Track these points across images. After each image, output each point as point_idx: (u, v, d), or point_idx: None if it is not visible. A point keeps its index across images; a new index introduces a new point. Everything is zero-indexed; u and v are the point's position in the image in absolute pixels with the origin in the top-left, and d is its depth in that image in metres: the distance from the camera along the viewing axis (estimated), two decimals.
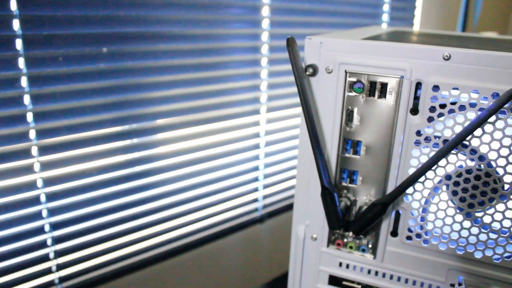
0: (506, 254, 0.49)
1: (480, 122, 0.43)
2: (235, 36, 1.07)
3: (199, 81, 1.03)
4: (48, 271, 0.90)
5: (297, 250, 0.60)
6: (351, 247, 0.57)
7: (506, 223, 0.48)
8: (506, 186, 0.47)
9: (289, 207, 1.31)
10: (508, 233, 0.48)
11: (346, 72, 0.50)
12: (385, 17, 1.52)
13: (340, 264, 0.59)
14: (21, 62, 0.77)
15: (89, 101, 0.86)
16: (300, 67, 0.50)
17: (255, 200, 1.26)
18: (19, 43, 0.77)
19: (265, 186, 1.26)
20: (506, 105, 0.44)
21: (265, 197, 1.28)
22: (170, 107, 0.99)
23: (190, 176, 1.07)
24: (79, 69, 0.84)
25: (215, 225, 1.18)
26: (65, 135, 0.85)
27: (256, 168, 1.22)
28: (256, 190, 1.24)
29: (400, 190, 0.48)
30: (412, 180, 0.47)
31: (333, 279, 0.60)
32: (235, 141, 1.14)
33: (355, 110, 0.51)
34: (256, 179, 1.23)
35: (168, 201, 1.05)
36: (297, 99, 1.18)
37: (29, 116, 0.80)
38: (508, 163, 0.46)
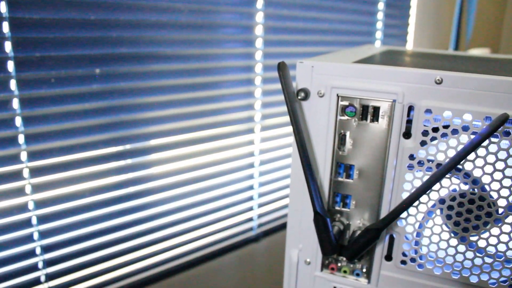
0: (502, 279, 0.48)
1: (473, 147, 0.43)
2: (229, 55, 1.08)
3: (193, 101, 1.02)
4: None
5: (290, 275, 0.60)
6: (345, 271, 0.56)
7: (501, 247, 0.47)
8: (500, 210, 0.46)
9: (285, 226, 1.30)
10: (503, 258, 0.47)
11: (338, 96, 0.50)
12: (378, 34, 1.53)
13: None
14: (12, 84, 0.77)
15: (82, 122, 0.86)
16: (292, 92, 0.50)
17: (250, 219, 1.25)
18: (10, 65, 0.76)
19: (260, 205, 1.25)
20: (498, 129, 0.43)
21: (260, 216, 1.27)
22: (164, 127, 0.99)
23: (184, 196, 1.06)
24: (71, 91, 0.83)
25: (210, 245, 1.16)
26: (57, 156, 0.84)
27: (250, 187, 1.21)
28: (251, 209, 1.23)
29: (394, 216, 0.48)
30: (404, 207, 0.47)
31: None
32: (229, 161, 1.13)
33: (348, 134, 0.51)
34: (251, 198, 1.22)
35: (161, 222, 1.04)
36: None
37: (21, 138, 0.79)
38: (502, 187, 0.45)
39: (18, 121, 0.79)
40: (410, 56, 0.70)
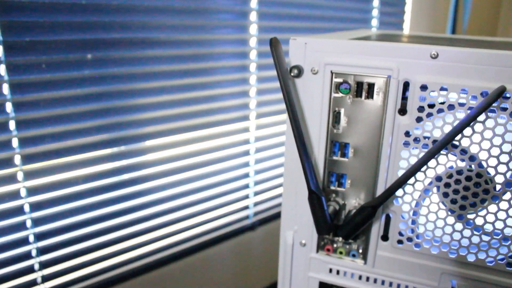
0: (500, 257, 0.48)
1: (469, 121, 0.42)
2: (223, 41, 1.06)
3: (187, 87, 1.01)
4: (33, 283, 0.88)
5: (286, 257, 0.59)
6: (341, 253, 0.56)
7: (499, 225, 0.47)
8: (498, 187, 0.45)
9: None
10: (500, 235, 0.47)
11: (332, 72, 0.49)
12: (374, 22, 1.52)
13: (330, 270, 0.57)
14: (2, 69, 0.76)
15: (74, 108, 0.85)
16: (284, 68, 0.49)
17: (246, 208, 1.24)
18: None
19: (256, 193, 1.25)
20: (495, 104, 0.43)
21: (256, 204, 1.26)
22: (158, 114, 0.98)
23: (180, 183, 1.06)
24: (63, 76, 0.82)
25: (206, 233, 1.16)
26: (49, 143, 0.83)
27: (246, 175, 1.20)
28: (247, 197, 1.23)
29: (390, 193, 0.47)
30: (401, 182, 0.46)
31: (323, 286, 0.59)
32: (224, 148, 1.12)
33: (342, 111, 0.50)
34: (246, 186, 1.21)
35: (157, 209, 1.03)
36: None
37: (12, 124, 0.78)
38: (499, 163, 0.44)
39: (9, 106, 0.77)
40: (406, 37, 0.69)
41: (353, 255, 0.55)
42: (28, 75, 0.78)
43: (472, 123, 0.44)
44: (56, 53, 0.80)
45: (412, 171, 0.45)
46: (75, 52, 0.82)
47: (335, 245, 0.56)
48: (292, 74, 0.50)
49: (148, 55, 0.93)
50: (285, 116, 1.20)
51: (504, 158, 0.44)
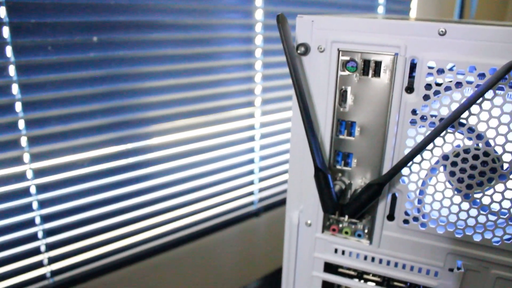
0: (506, 237, 0.47)
1: (477, 97, 0.42)
2: (229, 26, 1.06)
3: (192, 71, 1.01)
4: (39, 264, 0.88)
5: (291, 237, 0.59)
6: (346, 233, 0.56)
7: (506, 204, 0.46)
8: (505, 166, 0.45)
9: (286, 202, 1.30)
10: (507, 215, 0.46)
11: (338, 50, 0.49)
12: (380, 9, 1.50)
13: (336, 251, 0.57)
14: (8, 50, 0.76)
15: (80, 91, 0.85)
16: (291, 46, 0.49)
17: (251, 193, 1.24)
18: (6, 31, 0.75)
19: (261, 179, 1.25)
20: (504, 81, 0.42)
21: (261, 190, 1.26)
22: (163, 98, 0.98)
23: (185, 168, 1.06)
24: (68, 58, 0.82)
25: (211, 218, 1.16)
26: (55, 125, 0.83)
27: (251, 161, 1.20)
28: (251, 183, 1.23)
29: (396, 170, 0.47)
30: (408, 159, 0.46)
31: (328, 267, 0.59)
32: (229, 133, 1.12)
33: (349, 89, 0.50)
34: (251, 172, 1.21)
35: (162, 194, 1.04)
36: (292, 91, 1.16)
37: (18, 106, 0.79)
38: (507, 141, 0.44)
39: (15, 88, 0.78)
40: (413, 19, 0.68)
41: (359, 235, 0.55)
42: (34, 57, 0.78)
43: (480, 101, 0.44)
44: (61, 35, 0.80)
45: (419, 149, 0.45)
46: (81, 35, 0.82)
47: (340, 225, 0.56)
48: (298, 51, 0.50)
49: (154, 38, 0.93)
50: (290, 103, 1.20)
51: None
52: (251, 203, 1.25)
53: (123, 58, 0.89)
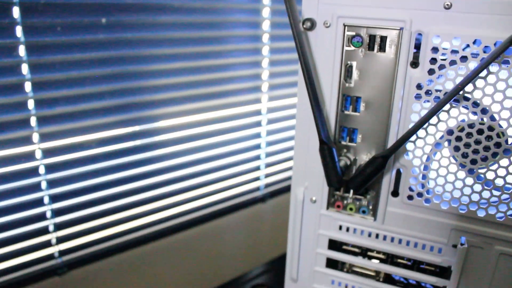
0: (510, 212, 0.48)
1: (480, 70, 0.42)
2: (237, 10, 1.06)
3: (200, 55, 1.02)
4: (48, 244, 0.90)
5: (296, 214, 0.59)
6: (351, 209, 0.56)
7: (510, 179, 0.46)
8: (510, 140, 0.45)
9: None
10: (511, 190, 0.47)
11: (344, 25, 0.49)
12: None
13: (340, 228, 0.58)
14: (18, 30, 0.77)
15: (88, 72, 0.86)
16: (297, 20, 0.49)
17: (257, 179, 1.25)
18: (16, 11, 0.76)
19: (268, 165, 1.25)
20: (509, 54, 0.42)
21: (267, 175, 1.27)
22: (170, 81, 0.99)
23: (191, 152, 1.07)
24: (77, 39, 0.83)
25: (217, 203, 1.17)
26: (64, 106, 0.84)
27: (258, 146, 1.21)
28: (258, 168, 1.24)
29: (400, 143, 0.47)
30: (412, 132, 0.46)
31: (332, 244, 0.59)
32: (236, 118, 1.13)
33: (354, 65, 0.50)
34: (258, 158, 1.22)
35: (168, 177, 1.05)
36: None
37: (28, 86, 0.80)
38: None
39: (25, 68, 0.79)
40: None
41: (363, 212, 0.55)
42: (44, 38, 0.79)
43: (484, 74, 0.44)
44: (71, 17, 0.81)
45: (422, 122, 0.45)
46: (90, 16, 0.83)
47: (345, 202, 0.56)
48: (304, 26, 0.50)
49: (162, 21, 0.93)
50: (296, 89, 1.20)
51: None
52: (257, 189, 1.26)
53: (131, 40, 0.89)
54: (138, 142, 0.97)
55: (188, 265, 1.17)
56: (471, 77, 0.42)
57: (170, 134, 1.02)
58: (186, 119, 1.04)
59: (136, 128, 0.96)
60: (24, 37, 0.77)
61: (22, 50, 0.78)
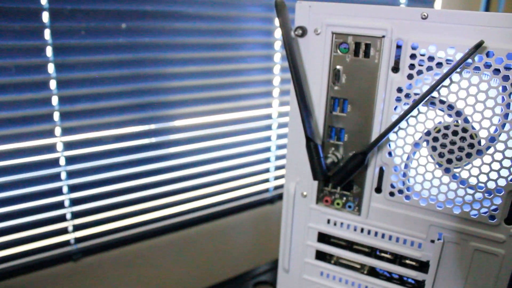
0: (483, 210, 0.50)
1: (450, 72, 0.46)
2: (250, 18, 1.12)
3: (214, 60, 1.07)
4: (64, 231, 0.97)
5: (288, 207, 0.64)
6: (338, 204, 0.60)
7: (482, 178, 0.49)
8: (482, 142, 0.48)
9: None
10: (484, 188, 0.50)
11: (333, 33, 0.54)
12: (402, 0, 1.51)
13: (328, 221, 0.61)
14: (47, 33, 0.84)
15: (108, 73, 0.92)
16: (289, 29, 0.54)
17: (267, 181, 1.29)
18: (46, 16, 0.83)
19: (277, 168, 1.30)
20: (480, 61, 0.46)
21: (276, 178, 1.31)
22: (185, 83, 1.04)
23: (204, 151, 1.12)
24: (99, 42, 0.90)
25: (227, 202, 1.22)
26: (85, 103, 0.91)
27: (268, 149, 1.25)
28: (267, 170, 1.28)
29: (377, 140, 0.51)
30: (388, 130, 0.50)
31: (321, 237, 0.63)
32: (247, 121, 1.18)
33: (341, 69, 0.54)
34: (267, 160, 1.26)
35: (180, 174, 1.10)
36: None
37: (53, 84, 0.87)
38: (483, 118, 0.47)
39: (51, 67, 0.86)
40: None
41: (349, 207, 0.59)
42: (69, 40, 0.86)
43: (458, 79, 0.47)
44: (94, 21, 0.88)
45: (398, 120, 0.49)
46: (111, 21, 0.90)
47: (333, 197, 0.60)
48: (296, 33, 0.55)
49: (178, 27, 0.99)
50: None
51: (488, 113, 0.47)
52: (266, 190, 1.30)
53: (149, 44, 0.96)
54: (153, 140, 1.03)
55: (196, 259, 1.22)
56: (440, 81, 0.46)
57: (184, 134, 1.08)
58: (199, 120, 1.10)
59: (152, 126, 1.02)
60: (51, 39, 0.85)
61: (49, 51, 0.85)
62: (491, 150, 0.48)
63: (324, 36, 0.54)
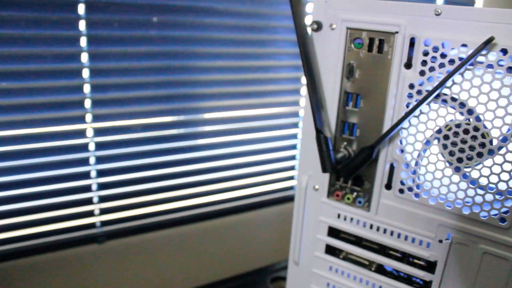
0: (493, 212, 0.49)
1: (459, 67, 0.45)
2: (280, 16, 1.13)
3: (244, 56, 1.09)
4: (91, 213, 1.01)
5: (300, 200, 0.64)
6: (348, 199, 0.60)
7: (493, 179, 0.48)
8: (494, 141, 0.48)
9: None
10: (495, 189, 0.48)
11: (347, 28, 0.54)
12: (440, 1, 1.47)
13: (339, 216, 0.62)
14: (82, 24, 0.89)
15: (139, 64, 0.96)
16: (303, 22, 0.55)
17: (291, 178, 1.30)
18: (81, 8, 0.88)
19: None
20: (493, 59, 0.45)
21: None
22: (214, 77, 1.07)
23: (231, 145, 1.14)
24: (131, 34, 0.94)
25: (251, 196, 1.23)
26: (116, 92, 0.95)
27: (294, 147, 1.26)
28: (293, 168, 1.29)
29: (385, 135, 0.51)
30: (396, 125, 0.50)
31: (332, 231, 0.63)
32: (274, 117, 1.19)
33: (355, 64, 0.55)
34: (293, 158, 1.27)
35: (205, 166, 1.13)
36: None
37: (85, 72, 0.91)
38: (496, 117, 0.47)
39: (85, 57, 0.90)
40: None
41: (359, 202, 0.59)
42: (103, 31, 0.90)
43: (471, 77, 0.47)
44: (127, 14, 0.92)
45: (405, 116, 0.49)
46: (143, 15, 0.94)
47: (343, 192, 0.61)
48: (311, 27, 0.56)
49: (208, 22, 1.02)
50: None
51: (500, 112, 0.46)
52: (291, 188, 1.31)
53: (179, 38, 0.99)
54: (181, 131, 1.06)
55: (218, 250, 1.24)
56: (451, 74, 0.46)
57: (211, 127, 1.10)
58: (227, 114, 1.12)
59: (181, 117, 1.05)
60: (86, 30, 0.89)
61: (83, 41, 0.90)
62: (503, 151, 0.47)
63: (339, 31, 0.55)
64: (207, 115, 1.09)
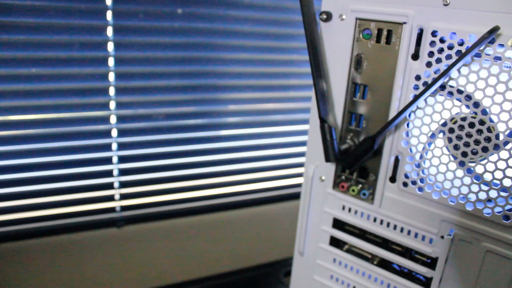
0: (497, 209, 0.48)
1: (462, 57, 0.45)
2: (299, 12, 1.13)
3: (266, 49, 1.10)
4: (111, 198, 1.04)
5: (306, 190, 0.65)
6: (353, 191, 0.60)
7: (498, 175, 0.47)
8: (500, 136, 0.46)
9: None
10: (499, 186, 0.47)
11: (356, 19, 0.54)
12: None
13: (343, 208, 0.62)
14: (108, 14, 0.92)
15: (163, 54, 0.99)
16: (312, 13, 0.55)
17: None
18: None
19: None
20: (500, 50, 0.44)
21: None
22: (236, 70, 1.08)
23: (251, 137, 1.16)
24: (156, 25, 0.96)
25: (269, 189, 1.24)
26: (139, 80, 0.98)
27: None
28: None
29: (387, 125, 0.51)
30: (398, 115, 0.50)
31: (337, 223, 0.63)
32: (294, 112, 1.19)
33: (363, 55, 0.55)
34: None
35: (226, 157, 1.14)
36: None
37: (111, 61, 0.95)
38: (502, 110, 0.45)
39: (110, 46, 0.94)
40: None
41: (364, 194, 0.59)
42: (128, 22, 0.93)
43: (477, 69, 0.46)
44: (152, 6, 0.94)
45: (407, 106, 0.49)
46: (168, 6, 0.96)
47: (349, 183, 0.60)
48: (321, 18, 0.56)
49: (231, 15, 1.03)
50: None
51: (507, 106, 0.45)
52: None
53: (203, 30, 1.01)
54: (202, 121, 1.08)
55: (234, 241, 1.25)
56: (454, 63, 0.45)
57: (232, 118, 1.12)
58: (248, 107, 1.13)
59: (202, 108, 1.07)
60: (112, 20, 0.92)
61: (109, 31, 0.93)
62: (509, 146, 0.46)
63: (348, 21, 0.55)
64: (228, 107, 1.11)
